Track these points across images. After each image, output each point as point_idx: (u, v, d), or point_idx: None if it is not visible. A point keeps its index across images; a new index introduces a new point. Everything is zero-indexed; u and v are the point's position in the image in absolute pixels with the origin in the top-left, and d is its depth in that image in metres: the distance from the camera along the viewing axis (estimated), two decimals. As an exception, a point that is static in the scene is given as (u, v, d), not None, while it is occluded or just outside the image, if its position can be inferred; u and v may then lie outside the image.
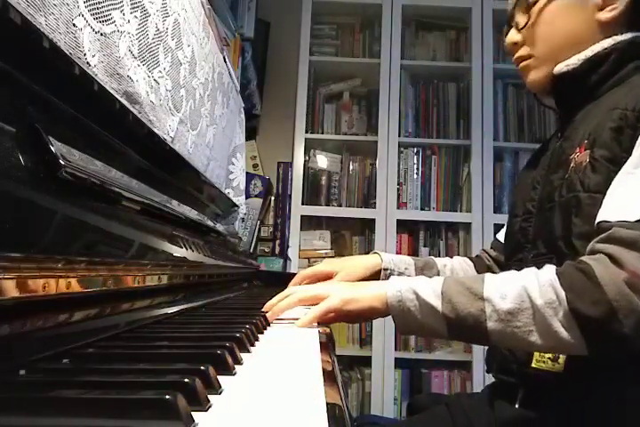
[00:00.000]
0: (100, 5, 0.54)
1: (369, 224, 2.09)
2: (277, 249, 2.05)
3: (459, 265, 0.98)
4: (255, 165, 2.20)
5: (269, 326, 0.65)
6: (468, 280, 0.61)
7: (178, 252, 0.69)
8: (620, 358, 0.60)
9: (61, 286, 0.37)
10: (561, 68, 0.74)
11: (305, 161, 2.12)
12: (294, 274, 0.99)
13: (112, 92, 0.57)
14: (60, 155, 0.38)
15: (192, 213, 0.85)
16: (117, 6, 0.59)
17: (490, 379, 0.84)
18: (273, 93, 2.32)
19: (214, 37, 1.10)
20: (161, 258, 0.62)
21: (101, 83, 0.52)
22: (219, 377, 0.33)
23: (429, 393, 1.90)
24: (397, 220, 2.01)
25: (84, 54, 0.52)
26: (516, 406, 0.72)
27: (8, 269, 0.31)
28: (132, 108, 0.64)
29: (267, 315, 0.67)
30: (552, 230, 0.69)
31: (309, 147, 2.16)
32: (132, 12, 0.63)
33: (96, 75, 0.55)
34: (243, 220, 1.79)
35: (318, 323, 0.66)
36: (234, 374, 0.38)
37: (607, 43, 0.72)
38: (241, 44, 1.83)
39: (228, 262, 1.08)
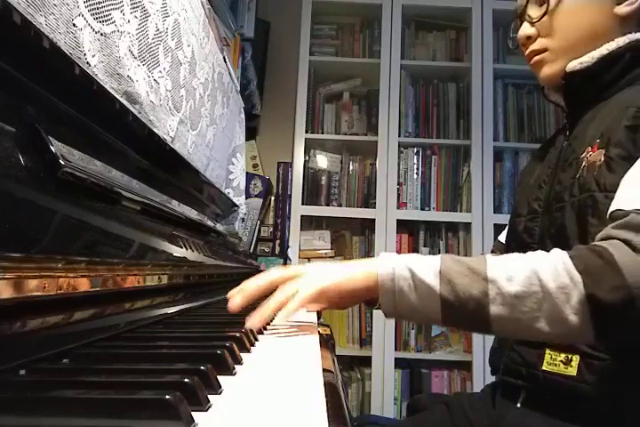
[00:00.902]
0: (99, 5, 0.54)
1: (369, 224, 2.09)
2: (277, 249, 2.05)
3: None
4: (255, 165, 2.20)
5: (269, 325, 0.65)
6: (469, 260, 0.56)
7: (178, 252, 0.69)
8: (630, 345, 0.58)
9: (61, 285, 0.37)
10: (574, 65, 0.73)
11: (305, 161, 2.12)
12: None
13: (112, 92, 0.57)
14: (60, 155, 0.38)
15: (192, 213, 0.85)
16: (117, 6, 0.59)
17: (490, 378, 0.83)
18: (273, 93, 2.32)
19: (214, 37, 1.10)
20: (161, 258, 0.62)
21: (101, 83, 0.52)
22: (219, 377, 0.33)
23: (429, 393, 1.90)
24: (397, 220, 2.01)
25: (84, 54, 0.52)
26: (518, 405, 0.72)
27: (8, 269, 0.31)
28: (132, 108, 0.64)
29: (254, 318, 0.58)
30: (563, 230, 0.68)
31: (309, 147, 2.16)
32: (132, 12, 0.63)
33: (96, 75, 0.55)
34: (243, 220, 1.79)
35: (318, 323, 0.65)
36: (234, 374, 0.38)
37: (622, 41, 0.71)
38: (241, 44, 1.83)
39: (227, 262, 1.08)
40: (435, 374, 1.98)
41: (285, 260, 1.98)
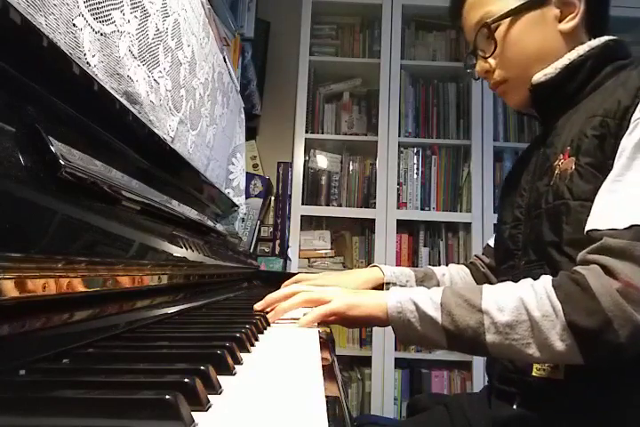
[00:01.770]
0: (99, 5, 0.54)
1: (369, 224, 2.09)
2: (277, 249, 2.05)
3: (456, 274, 0.99)
4: (255, 165, 2.20)
5: (269, 325, 0.65)
6: (466, 292, 0.61)
7: (178, 252, 0.69)
8: (617, 364, 0.60)
9: (61, 285, 0.37)
10: (539, 77, 0.75)
11: (305, 161, 2.12)
12: (294, 274, 0.99)
13: (112, 92, 0.57)
14: (60, 155, 0.38)
15: (192, 213, 0.85)
16: (117, 6, 0.59)
17: (490, 379, 0.84)
18: (273, 93, 2.32)
19: (214, 37, 1.10)
20: (161, 258, 0.61)
21: (101, 83, 0.52)
22: (219, 377, 0.33)
23: (429, 393, 1.90)
24: (397, 220, 2.01)
25: (84, 54, 0.52)
26: (514, 407, 0.72)
27: (8, 269, 0.31)
28: (132, 108, 0.64)
29: (269, 315, 0.67)
30: (541, 237, 0.70)
31: (309, 147, 2.16)
32: (132, 12, 0.63)
33: (96, 75, 0.55)
34: (243, 220, 1.79)
35: (318, 324, 0.66)
36: (234, 374, 0.38)
37: (582, 49, 0.72)
38: (241, 44, 1.83)
39: (227, 262, 1.08)
40: (435, 374, 1.98)
41: (285, 260, 1.98)
